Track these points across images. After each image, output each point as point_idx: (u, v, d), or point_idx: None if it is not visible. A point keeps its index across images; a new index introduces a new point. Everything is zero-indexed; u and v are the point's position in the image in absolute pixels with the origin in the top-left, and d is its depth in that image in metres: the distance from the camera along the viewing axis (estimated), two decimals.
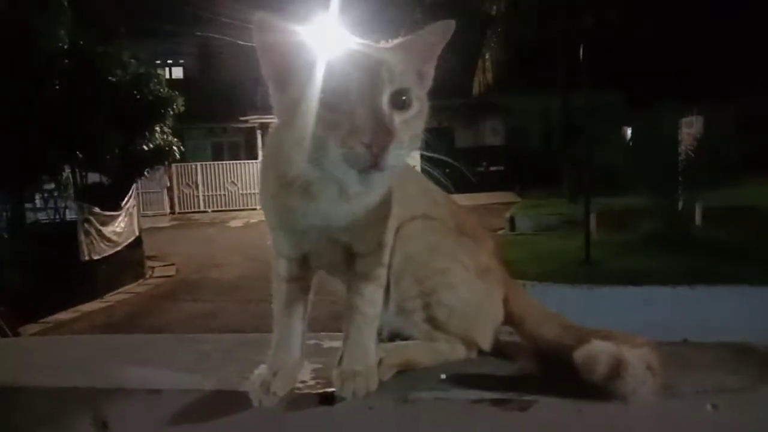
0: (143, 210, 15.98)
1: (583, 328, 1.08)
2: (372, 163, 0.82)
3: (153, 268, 12.34)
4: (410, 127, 0.87)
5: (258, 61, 0.90)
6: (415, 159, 1.19)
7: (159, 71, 12.97)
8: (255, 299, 8.14)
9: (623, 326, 1.07)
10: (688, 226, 9.85)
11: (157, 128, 11.77)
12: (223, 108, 20.88)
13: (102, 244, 10.94)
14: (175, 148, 12.37)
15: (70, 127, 9.53)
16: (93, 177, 12.10)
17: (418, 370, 1.08)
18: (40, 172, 10.33)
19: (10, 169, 9.25)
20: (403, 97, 0.87)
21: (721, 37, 16.87)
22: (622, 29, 15.14)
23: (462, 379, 1.04)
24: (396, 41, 0.92)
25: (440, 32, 0.94)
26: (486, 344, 1.14)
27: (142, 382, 1.11)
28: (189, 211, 21.21)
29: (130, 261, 11.81)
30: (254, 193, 19.40)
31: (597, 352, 0.94)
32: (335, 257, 1.05)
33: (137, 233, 12.51)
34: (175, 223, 19.43)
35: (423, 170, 1.14)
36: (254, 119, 20.41)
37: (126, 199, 12.21)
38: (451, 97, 17.03)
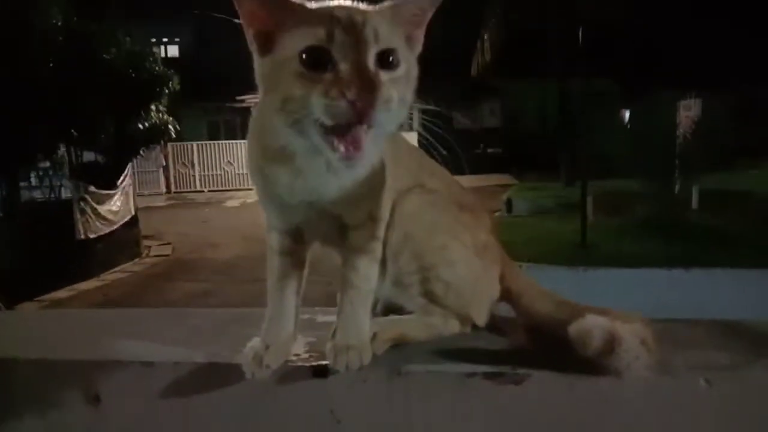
0: (139, 189, 15.90)
1: (578, 305, 1.09)
2: (357, 119, 0.81)
3: (149, 247, 12.32)
4: (397, 87, 0.85)
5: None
6: (412, 140, 1.18)
7: (154, 49, 12.83)
8: (251, 279, 8.15)
9: (618, 308, 1.06)
10: (685, 209, 9.88)
11: (153, 107, 11.68)
12: (220, 87, 20.70)
13: (98, 223, 10.92)
14: (170, 127, 12.30)
15: (65, 106, 9.44)
16: (88, 156, 12.02)
17: (412, 344, 1.08)
18: (34, 151, 10.25)
19: (3, 148, 9.17)
20: (390, 58, 0.86)
21: (721, 26, 16.75)
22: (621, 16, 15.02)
23: (455, 353, 1.05)
24: (385, 3, 0.91)
25: None
26: (481, 320, 1.15)
27: (134, 356, 1.11)
28: (185, 190, 21.15)
29: (126, 240, 11.78)
30: None
31: (591, 327, 0.95)
32: (328, 230, 1.04)
33: (133, 212, 12.47)
34: (171, 202, 19.39)
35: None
36: (250, 98, 20.24)
37: (121, 177, 12.16)
38: (449, 77, 16.92)
